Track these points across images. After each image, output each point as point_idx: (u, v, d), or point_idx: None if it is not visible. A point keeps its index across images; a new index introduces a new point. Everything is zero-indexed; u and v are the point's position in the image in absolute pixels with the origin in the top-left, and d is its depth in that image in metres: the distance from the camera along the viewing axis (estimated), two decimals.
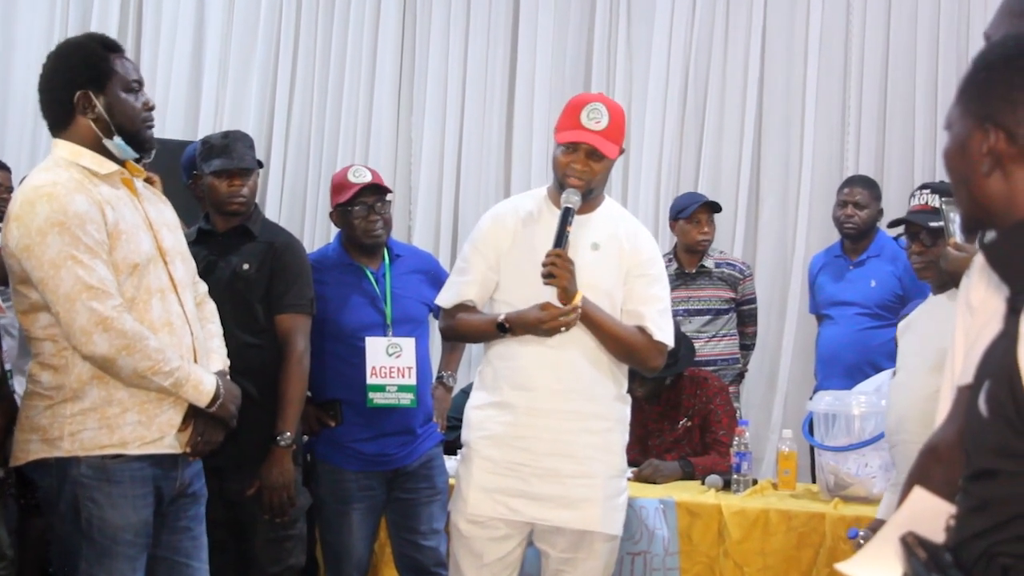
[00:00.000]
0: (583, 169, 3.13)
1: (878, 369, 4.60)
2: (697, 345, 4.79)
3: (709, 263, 5.16)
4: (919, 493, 1.52)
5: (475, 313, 3.27)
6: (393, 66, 6.48)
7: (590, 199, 3.18)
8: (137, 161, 2.93)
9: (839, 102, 5.86)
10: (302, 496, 3.63)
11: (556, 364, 3.14)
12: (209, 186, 3.65)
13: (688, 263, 5.16)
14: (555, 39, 6.24)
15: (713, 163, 5.99)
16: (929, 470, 1.65)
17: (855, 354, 4.90)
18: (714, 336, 5.10)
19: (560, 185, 3.16)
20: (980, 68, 1.42)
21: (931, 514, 1.44)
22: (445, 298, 3.32)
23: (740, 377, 5.29)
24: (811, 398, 4.34)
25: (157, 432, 2.79)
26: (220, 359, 3.03)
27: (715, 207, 5.20)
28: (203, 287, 3.12)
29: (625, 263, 3.21)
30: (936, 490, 1.48)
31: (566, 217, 3.09)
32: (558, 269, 3.03)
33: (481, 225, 3.33)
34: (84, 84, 2.79)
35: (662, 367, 3.34)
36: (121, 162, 2.85)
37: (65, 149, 2.81)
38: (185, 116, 6.59)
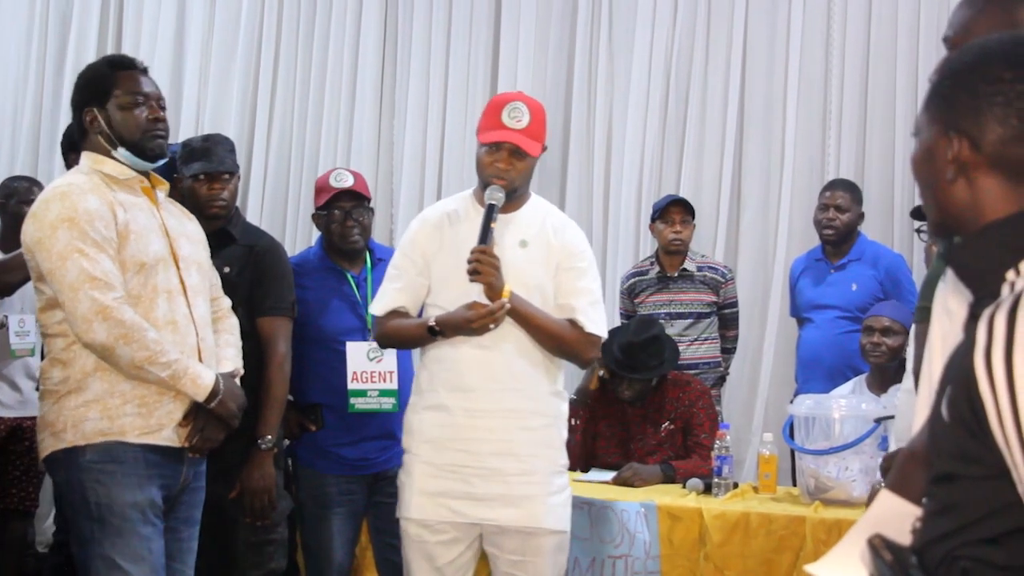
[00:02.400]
0: (506, 168, 3.13)
1: (858, 372, 4.64)
2: (679, 349, 4.79)
3: (691, 266, 5.17)
4: (885, 495, 1.54)
5: (407, 319, 3.25)
6: (375, 70, 6.48)
7: (515, 198, 3.19)
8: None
9: (820, 107, 5.88)
10: (283, 500, 3.63)
11: (491, 364, 3.14)
12: (189, 189, 3.65)
13: (669, 266, 5.18)
14: (536, 44, 6.25)
15: (694, 167, 6.00)
16: (908, 473, 1.66)
17: (835, 357, 4.91)
18: (695, 340, 5.11)
19: (484, 185, 3.17)
20: (946, 76, 1.44)
21: (898, 516, 1.46)
22: (378, 306, 3.28)
23: (721, 380, 5.30)
24: (792, 401, 4.36)
25: (156, 423, 2.90)
26: (232, 364, 3.12)
27: (687, 205, 5.21)
28: (226, 302, 3.26)
29: (554, 257, 3.21)
30: (914, 492, 1.49)
31: (490, 214, 3.09)
32: (483, 266, 3.04)
33: (409, 230, 3.32)
34: (90, 102, 3.01)
35: (594, 360, 3.34)
36: (145, 173, 3.04)
37: (88, 159, 3.01)
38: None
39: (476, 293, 3.09)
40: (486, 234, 3.07)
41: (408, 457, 3.24)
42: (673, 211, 5.15)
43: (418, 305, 3.26)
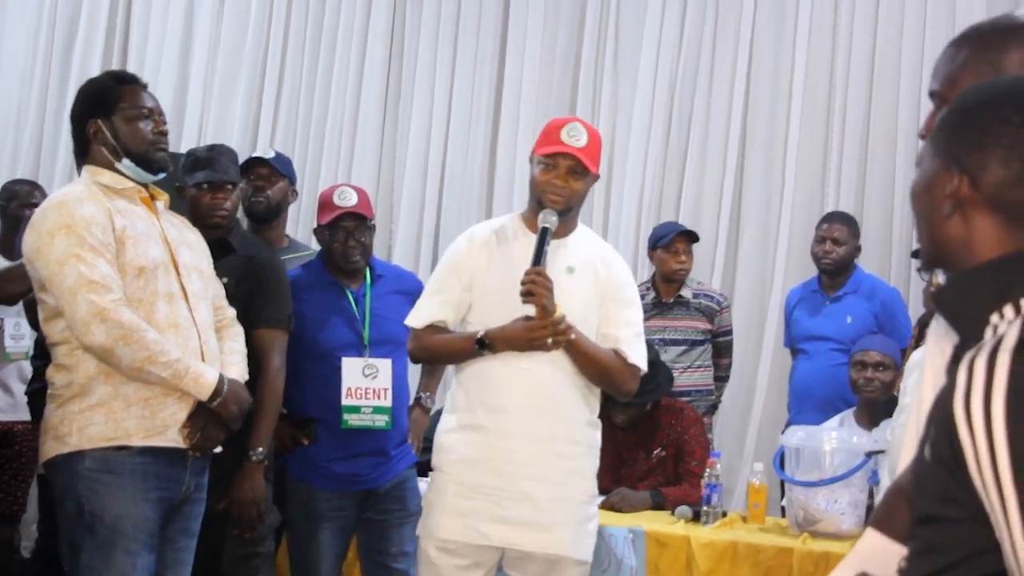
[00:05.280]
0: (563, 186, 3.13)
1: (851, 405, 4.64)
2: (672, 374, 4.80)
3: (687, 293, 5.18)
4: (871, 534, 1.54)
5: (447, 333, 3.24)
6: (379, 84, 6.50)
7: (566, 220, 3.18)
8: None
9: (821, 137, 5.90)
10: (272, 513, 3.62)
11: (531, 386, 3.13)
12: (192, 198, 3.66)
13: (666, 292, 5.18)
14: (542, 62, 6.28)
15: (695, 193, 6.02)
16: (894, 509, 1.66)
17: (828, 389, 4.92)
18: (689, 367, 5.11)
19: (538, 204, 3.16)
20: (955, 110, 1.44)
21: (884, 554, 1.46)
22: (417, 318, 3.27)
23: (713, 408, 5.30)
24: (783, 432, 4.36)
25: (161, 424, 2.93)
26: (238, 371, 3.15)
27: (693, 236, 5.23)
28: (231, 311, 3.28)
29: (600, 287, 3.22)
30: (900, 530, 1.50)
31: (544, 236, 3.08)
32: (537, 287, 3.03)
33: (457, 246, 3.32)
34: (94, 114, 3.06)
35: (635, 391, 3.35)
36: (144, 185, 3.08)
37: (88, 171, 3.06)
38: (170, 131, 6.55)
39: (520, 313, 3.09)
40: (540, 256, 3.06)
41: (439, 476, 3.21)
42: (679, 242, 5.15)
43: (458, 321, 3.24)
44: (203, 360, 3.01)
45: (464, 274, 3.23)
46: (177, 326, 2.97)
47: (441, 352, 3.32)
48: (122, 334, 2.82)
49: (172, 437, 2.95)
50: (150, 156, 3.05)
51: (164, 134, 3.10)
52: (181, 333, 2.97)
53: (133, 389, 2.90)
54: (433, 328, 3.25)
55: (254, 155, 4.22)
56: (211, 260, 3.26)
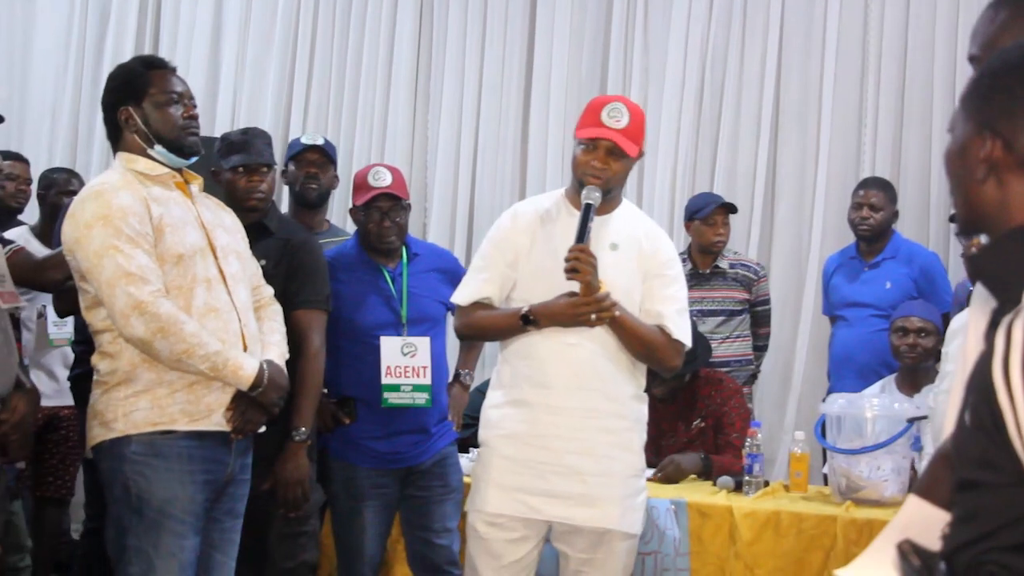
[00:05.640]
0: (602, 167, 3.12)
1: (892, 371, 4.62)
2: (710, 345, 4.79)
3: (724, 264, 5.16)
4: (914, 501, 1.54)
5: (494, 310, 3.26)
6: (410, 64, 6.50)
7: (608, 199, 3.18)
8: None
9: (856, 103, 5.85)
10: (316, 492, 3.66)
11: (575, 362, 3.14)
12: (228, 182, 3.68)
13: (702, 263, 5.16)
14: (572, 38, 6.25)
15: (729, 163, 5.99)
16: (938, 476, 1.66)
17: (869, 356, 4.90)
18: (727, 337, 5.10)
19: (580, 184, 3.16)
20: (985, 74, 1.43)
21: (927, 521, 1.46)
22: (463, 295, 3.30)
23: (753, 378, 5.29)
24: (824, 400, 4.35)
25: (205, 410, 2.96)
26: (278, 352, 3.17)
27: (731, 208, 5.20)
28: (268, 290, 3.31)
29: (644, 264, 3.22)
30: (943, 497, 1.49)
31: (587, 213, 3.08)
32: (581, 264, 3.03)
33: (501, 223, 3.32)
34: (125, 101, 3.06)
35: (679, 367, 3.35)
36: (178, 169, 3.09)
37: (122, 158, 3.07)
38: (202, 115, 6.56)
39: (564, 289, 3.10)
40: (583, 233, 3.06)
41: (485, 451, 3.25)
42: (718, 214, 5.13)
43: (503, 298, 3.25)
44: (244, 343, 3.03)
45: (508, 252, 3.24)
46: (217, 311, 2.98)
47: (487, 328, 3.33)
48: (159, 327, 2.84)
49: (216, 421, 2.98)
50: (181, 141, 3.06)
51: (195, 118, 3.10)
52: (221, 318, 2.99)
53: (177, 375, 2.93)
54: (479, 305, 3.26)
55: (305, 141, 4.24)
56: (247, 240, 3.27)
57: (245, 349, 3.03)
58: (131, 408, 2.92)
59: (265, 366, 3.03)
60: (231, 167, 3.67)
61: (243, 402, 3.00)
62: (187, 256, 2.96)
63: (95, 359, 3.03)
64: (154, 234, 2.93)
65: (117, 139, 3.10)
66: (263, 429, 3.12)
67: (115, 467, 2.94)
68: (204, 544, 3.02)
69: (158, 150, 3.04)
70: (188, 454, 2.94)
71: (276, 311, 3.29)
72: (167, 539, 2.90)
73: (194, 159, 3.13)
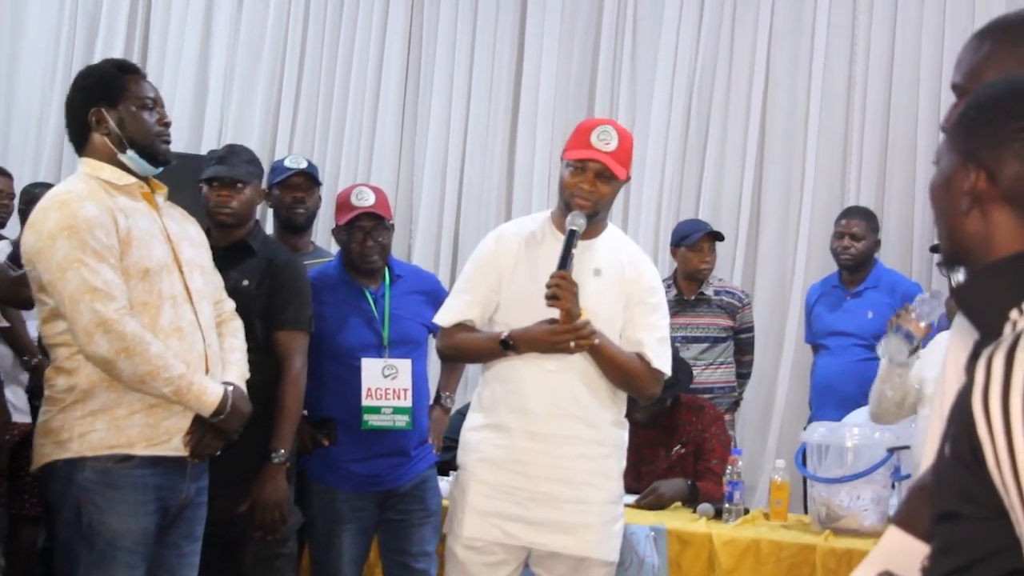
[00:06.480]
0: (590, 190, 3.12)
1: None
2: (693, 373, 4.79)
3: (708, 291, 5.17)
4: (894, 532, 1.53)
5: (475, 332, 3.26)
6: (397, 84, 6.52)
7: (594, 222, 3.17)
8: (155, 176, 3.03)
9: (841, 132, 5.89)
10: (293, 514, 3.63)
11: (555, 388, 3.14)
12: (204, 195, 3.67)
13: (688, 290, 5.17)
14: (559, 61, 6.28)
15: (714, 189, 6.01)
16: (917, 507, 1.66)
17: (850, 385, 4.90)
18: (711, 364, 5.11)
19: (566, 206, 3.15)
20: (971, 106, 1.44)
21: (907, 553, 1.45)
22: (445, 316, 3.30)
23: (735, 405, 5.29)
24: (805, 428, 4.35)
25: (165, 434, 2.85)
26: (238, 372, 3.08)
27: (718, 236, 5.22)
28: (230, 304, 3.21)
29: (626, 290, 3.22)
30: (923, 528, 1.49)
31: (571, 240, 3.08)
32: (562, 291, 3.02)
33: (486, 245, 3.32)
34: (97, 102, 2.92)
35: (658, 395, 3.35)
36: (144, 178, 2.97)
37: (87, 165, 2.93)
38: (189, 131, 6.61)
39: (546, 314, 3.09)
40: (566, 260, 3.05)
41: (463, 474, 3.24)
42: (704, 241, 5.14)
43: (485, 320, 3.25)
44: (207, 364, 2.94)
45: (492, 274, 3.23)
46: (181, 331, 2.88)
47: (467, 351, 3.33)
48: (124, 346, 2.73)
49: (175, 446, 2.88)
50: (155, 147, 2.95)
51: (168, 126, 2.99)
52: (185, 338, 2.89)
53: (137, 396, 2.82)
54: (461, 327, 3.26)
55: (289, 165, 4.19)
56: (210, 250, 3.18)
57: (208, 371, 2.94)
58: (87, 428, 2.80)
59: (229, 392, 2.94)
60: (206, 179, 3.65)
61: (202, 427, 2.91)
62: (153, 271, 2.86)
63: (50, 373, 2.90)
64: (120, 247, 2.81)
65: (82, 141, 2.95)
66: (218, 452, 3.04)
67: (65, 491, 2.82)
68: (163, 571, 2.94)
69: (129, 155, 2.92)
70: (143, 483, 2.83)
71: (237, 327, 3.20)
72: (118, 571, 2.80)
73: (163, 168, 3.02)
